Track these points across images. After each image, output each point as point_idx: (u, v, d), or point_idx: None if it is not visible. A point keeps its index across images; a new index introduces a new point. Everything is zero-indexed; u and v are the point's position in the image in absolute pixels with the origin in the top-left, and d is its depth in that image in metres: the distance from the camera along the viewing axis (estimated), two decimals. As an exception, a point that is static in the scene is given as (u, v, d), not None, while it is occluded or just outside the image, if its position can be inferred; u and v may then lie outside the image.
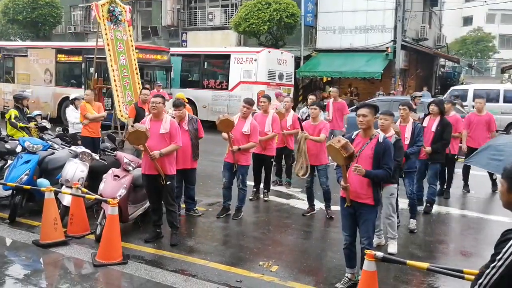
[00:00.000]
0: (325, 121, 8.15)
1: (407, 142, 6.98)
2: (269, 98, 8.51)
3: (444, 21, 37.27)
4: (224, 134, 7.40)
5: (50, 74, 18.73)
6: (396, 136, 6.19)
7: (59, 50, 19.00)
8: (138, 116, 9.02)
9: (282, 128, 9.01)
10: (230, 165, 7.58)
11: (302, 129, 7.88)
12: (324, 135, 7.54)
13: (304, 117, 10.45)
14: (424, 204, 8.18)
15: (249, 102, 7.64)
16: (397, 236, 6.42)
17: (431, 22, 30.35)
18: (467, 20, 56.37)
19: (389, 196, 6.29)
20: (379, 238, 6.52)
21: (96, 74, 15.22)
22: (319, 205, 8.23)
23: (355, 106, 6.10)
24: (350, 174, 4.90)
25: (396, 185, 6.40)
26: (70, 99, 11.27)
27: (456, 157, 9.09)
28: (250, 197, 8.70)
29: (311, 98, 10.66)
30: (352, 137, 5.10)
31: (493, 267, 2.01)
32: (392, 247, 6.30)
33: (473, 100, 17.92)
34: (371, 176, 4.85)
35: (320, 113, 7.93)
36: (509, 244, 2.04)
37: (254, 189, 8.85)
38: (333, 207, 7.72)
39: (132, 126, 6.13)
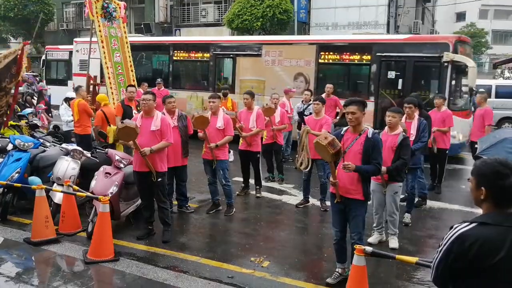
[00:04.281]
0: (328, 117, 8.20)
1: (412, 138, 6.98)
2: (252, 95, 8.53)
3: (437, 17, 37.42)
4: (200, 133, 7.43)
5: (306, 80, 13.60)
6: (403, 133, 6.22)
7: (324, 47, 13.58)
8: (125, 114, 9.01)
9: (272, 124, 9.07)
10: (209, 161, 7.62)
11: (304, 123, 7.92)
12: (325, 131, 7.57)
13: (298, 113, 10.52)
14: (416, 199, 8.23)
15: (213, 96, 7.69)
16: (397, 232, 6.47)
17: (424, 18, 30.48)
18: (460, 16, 56.53)
19: (393, 194, 6.30)
20: (380, 234, 6.57)
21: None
22: (312, 200, 8.28)
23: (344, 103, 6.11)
24: (339, 170, 4.93)
25: (401, 184, 6.40)
26: (64, 98, 11.25)
27: (447, 152, 9.14)
28: (237, 192, 8.73)
29: (306, 93, 10.75)
30: (342, 133, 5.13)
31: (437, 252, 2.37)
32: (394, 243, 6.36)
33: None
34: (361, 171, 4.88)
35: (323, 108, 8.00)
36: (447, 234, 2.33)
37: (243, 185, 8.88)
38: (328, 202, 7.75)
39: (122, 122, 6.12)
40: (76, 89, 10.06)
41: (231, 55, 14.98)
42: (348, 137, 5.05)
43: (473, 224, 2.29)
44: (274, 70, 14.04)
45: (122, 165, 6.80)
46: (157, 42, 17.84)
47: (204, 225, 7.30)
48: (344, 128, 5.17)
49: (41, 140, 8.23)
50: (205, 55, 15.40)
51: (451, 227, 2.35)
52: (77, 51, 18.24)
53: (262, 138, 9.28)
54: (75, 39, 19.37)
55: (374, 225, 6.55)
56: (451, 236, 2.30)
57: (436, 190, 9.26)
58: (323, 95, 10.86)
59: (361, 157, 4.90)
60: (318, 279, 5.40)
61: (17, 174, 7.16)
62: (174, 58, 16.05)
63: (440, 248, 2.34)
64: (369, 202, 5.22)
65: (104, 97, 10.04)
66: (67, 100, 10.85)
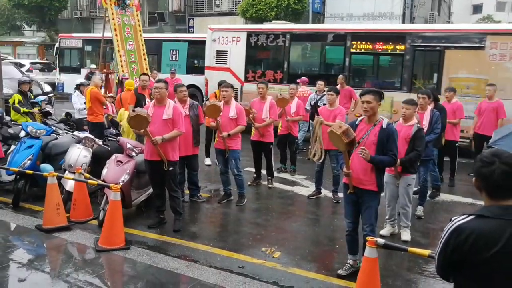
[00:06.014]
0: (342, 107, 8.12)
1: (424, 130, 6.87)
2: (266, 85, 8.46)
3: (453, 9, 36.93)
4: (212, 122, 7.41)
5: None
6: (418, 125, 6.13)
7: None
8: (138, 102, 9.00)
9: (287, 115, 8.99)
10: (221, 151, 7.59)
11: (318, 114, 7.86)
12: (340, 121, 7.48)
13: (312, 104, 10.44)
14: (430, 191, 8.14)
15: (226, 86, 7.63)
16: (410, 225, 6.40)
17: (440, 10, 30.08)
18: (477, 8, 55.66)
19: (406, 186, 6.22)
20: (392, 226, 6.50)
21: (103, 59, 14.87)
22: (324, 192, 8.23)
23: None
24: (353, 160, 4.86)
25: (414, 176, 6.32)
26: (76, 85, 11.26)
27: (457, 144, 9.02)
28: (249, 183, 8.68)
29: (320, 83, 10.66)
30: (356, 123, 5.06)
31: (439, 243, 2.38)
32: (406, 235, 6.29)
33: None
34: (376, 161, 4.80)
35: (337, 99, 7.92)
36: (446, 227, 2.35)
37: (255, 175, 8.84)
38: (340, 194, 7.69)
39: (133, 111, 6.10)
40: (89, 77, 10.10)
41: (438, 48, 11.98)
42: (362, 127, 4.97)
43: (471, 217, 2.30)
44: (505, 67, 11.09)
45: (133, 154, 6.79)
46: (328, 31, 14.68)
47: (216, 214, 7.29)
48: (359, 118, 5.09)
49: (53, 128, 8.26)
50: (398, 47, 12.53)
51: (450, 220, 2.38)
52: (213, 40, 15.07)
53: (277, 128, 9.21)
54: (210, 26, 15.73)
55: (387, 217, 6.48)
56: (449, 229, 2.33)
57: (449, 183, 9.15)
58: (338, 86, 10.74)
59: (375, 148, 4.83)
60: (329, 270, 5.36)
61: (29, 161, 7.19)
62: (352, 50, 13.12)
63: (440, 240, 2.38)
64: (382, 194, 5.15)
65: (131, 83, 10.16)
66: (79, 86, 10.86)
